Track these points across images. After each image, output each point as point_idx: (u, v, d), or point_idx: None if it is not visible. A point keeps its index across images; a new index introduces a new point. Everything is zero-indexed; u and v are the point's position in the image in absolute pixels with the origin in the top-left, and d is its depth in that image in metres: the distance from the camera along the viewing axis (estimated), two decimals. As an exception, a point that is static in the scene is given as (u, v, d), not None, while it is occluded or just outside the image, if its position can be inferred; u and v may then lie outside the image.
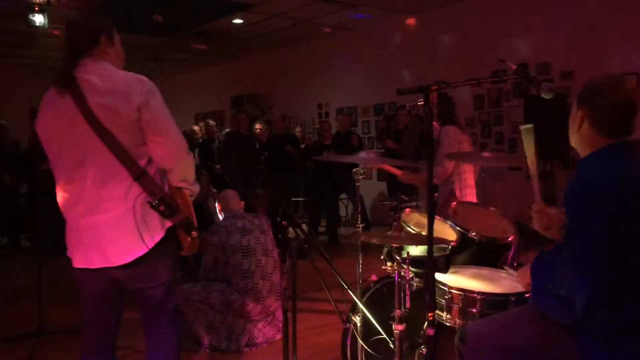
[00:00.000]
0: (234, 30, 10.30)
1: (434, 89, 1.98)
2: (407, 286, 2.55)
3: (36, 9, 7.70)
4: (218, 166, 8.62)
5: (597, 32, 6.92)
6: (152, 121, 2.21)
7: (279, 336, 4.07)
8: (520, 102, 7.61)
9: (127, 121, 2.18)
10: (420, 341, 2.75)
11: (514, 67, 2.16)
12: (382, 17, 9.39)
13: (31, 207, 8.13)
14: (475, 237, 2.97)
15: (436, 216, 3.07)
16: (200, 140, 9.97)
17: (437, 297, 2.55)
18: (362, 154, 3.63)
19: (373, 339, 2.84)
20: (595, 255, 1.83)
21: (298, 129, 10.67)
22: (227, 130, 9.37)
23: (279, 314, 3.78)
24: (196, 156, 9.26)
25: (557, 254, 2.04)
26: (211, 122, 9.73)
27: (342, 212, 9.70)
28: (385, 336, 2.74)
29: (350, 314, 2.99)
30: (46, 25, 7.91)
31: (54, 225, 8.35)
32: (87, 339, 2.46)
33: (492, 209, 3.44)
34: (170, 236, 2.31)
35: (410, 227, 3.10)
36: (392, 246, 2.75)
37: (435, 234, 2.11)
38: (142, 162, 2.23)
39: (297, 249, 2.52)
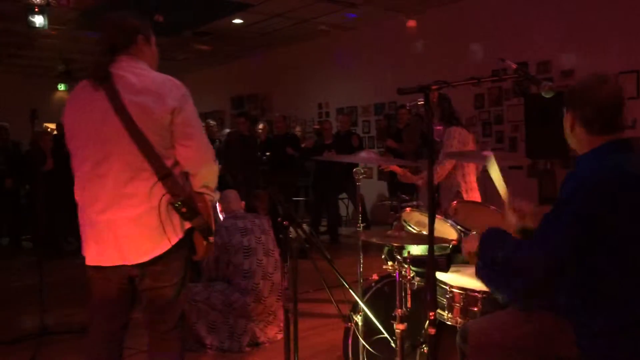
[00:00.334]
0: (234, 31, 10.30)
1: (434, 89, 1.98)
2: (408, 285, 2.56)
3: (36, 10, 7.71)
4: (220, 166, 8.61)
5: (597, 31, 6.93)
6: (184, 124, 2.23)
7: (280, 336, 4.08)
8: (520, 101, 7.62)
9: (159, 122, 2.19)
10: (421, 340, 2.76)
11: (514, 66, 2.17)
12: (382, 17, 9.39)
13: (32, 208, 8.15)
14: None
15: (437, 215, 3.07)
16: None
17: (438, 296, 2.55)
18: (363, 154, 3.63)
19: (374, 338, 2.84)
20: (559, 237, 1.80)
21: (298, 128, 10.67)
22: (228, 130, 9.38)
23: (281, 314, 3.78)
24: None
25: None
26: (211, 122, 9.72)
27: (343, 212, 9.70)
28: (386, 335, 2.75)
29: (352, 313, 2.99)
30: (46, 26, 7.92)
31: (55, 227, 8.39)
32: (94, 341, 2.43)
33: (492, 207, 3.43)
34: (187, 239, 2.31)
35: (411, 227, 3.10)
36: (392, 245, 2.75)
37: (436, 233, 2.11)
38: (168, 164, 2.23)
39: (298, 248, 2.52)
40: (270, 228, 4.34)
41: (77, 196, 2.30)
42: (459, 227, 3.03)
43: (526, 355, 2.07)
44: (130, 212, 2.20)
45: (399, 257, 2.55)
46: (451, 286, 2.53)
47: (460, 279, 2.65)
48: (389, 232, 2.97)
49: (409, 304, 2.54)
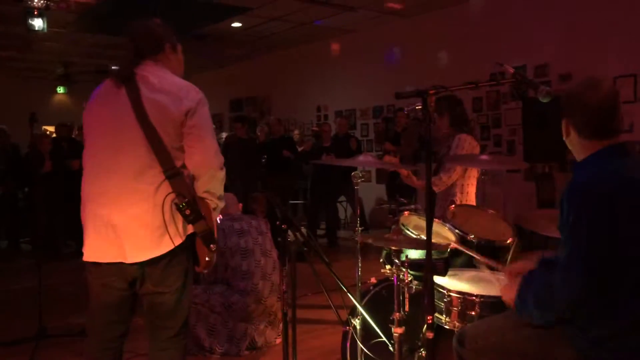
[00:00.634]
0: (233, 34, 10.32)
1: (432, 93, 1.99)
2: (406, 289, 2.56)
3: (35, 13, 7.72)
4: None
5: (595, 35, 6.95)
6: (195, 127, 2.24)
7: (279, 340, 4.08)
8: (518, 105, 7.63)
9: (172, 122, 2.22)
10: (419, 344, 2.76)
11: (511, 70, 2.18)
12: (381, 20, 9.41)
13: (31, 210, 8.15)
14: (473, 240, 2.98)
15: (435, 219, 3.08)
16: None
17: (436, 300, 2.56)
18: (361, 158, 3.62)
19: (373, 341, 2.84)
20: (585, 255, 1.84)
21: (296, 131, 10.68)
22: (225, 134, 9.40)
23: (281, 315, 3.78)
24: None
25: (542, 272, 2.06)
26: (210, 126, 9.71)
27: (341, 215, 9.71)
28: (384, 339, 2.75)
29: (350, 317, 3.00)
30: (45, 30, 7.92)
31: (54, 229, 8.38)
32: (92, 348, 2.40)
33: (490, 211, 3.45)
34: (188, 245, 2.29)
35: (409, 230, 3.10)
36: (391, 249, 2.76)
37: (434, 237, 2.12)
38: (178, 164, 2.24)
39: (296, 252, 2.53)
40: (268, 230, 4.34)
41: (83, 190, 2.31)
42: (457, 230, 3.03)
43: (524, 358, 2.07)
44: (134, 208, 2.20)
45: (397, 260, 2.56)
46: (449, 290, 2.53)
47: (458, 282, 2.66)
48: (387, 235, 2.98)
49: (406, 308, 2.55)
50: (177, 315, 2.36)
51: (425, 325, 2.04)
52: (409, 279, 2.55)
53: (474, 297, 2.47)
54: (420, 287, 2.64)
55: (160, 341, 2.37)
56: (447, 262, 2.62)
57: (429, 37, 9.01)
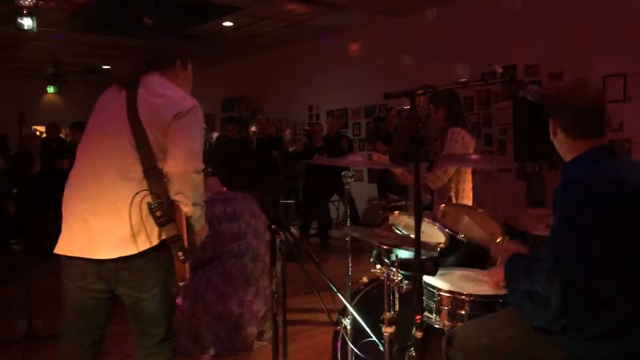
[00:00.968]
0: (224, 33, 10.30)
1: (420, 93, 2.00)
2: (396, 289, 2.56)
3: (25, 12, 7.66)
4: (209, 169, 8.60)
5: (586, 34, 6.97)
6: (178, 129, 2.24)
7: (270, 340, 4.06)
8: (509, 104, 7.65)
9: (162, 123, 2.24)
10: (410, 343, 2.76)
11: (500, 70, 2.18)
12: (372, 19, 9.42)
13: (21, 211, 8.09)
14: (463, 239, 2.98)
15: (425, 218, 3.08)
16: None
17: (426, 300, 2.56)
18: (350, 157, 3.62)
19: (363, 341, 2.84)
20: (578, 253, 1.85)
21: (288, 131, 10.67)
22: (217, 134, 9.37)
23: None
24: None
25: (532, 259, 2.08)
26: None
27: (334, 214, 9.72)
28: (375, 339, 2.75)
29: (340, 316, 2.99)
30: (35, 29, 7.87)
31: (44, 230, 8.30)
32: (67, 356, 2.36)
33: (480, 210, 3.45)
34: (166, 249, 2.23)
35: (399, 230, 3.10)
36: (381, 248, 2.76)
37: (424, 236, 2.12)
38: (160, 166, 2.24)
39: (287, 252, 2.52)
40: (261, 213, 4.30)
41: (67, 183, 2.32)
42: (447, 230, 3.04)
43: (513, 358, 2.08)
44: (112, 205, 2.19)
45: (386, 260, 2.56)
46: (439, 289, 2.54)
47: (448, 282, 2.66)
48: (376, 231, 2.97)
49: (397, 307, 2.55)
50: (161, 322, 2.33)
51: (415, 325, 2.04)
52: (399, 278, 2.55)
53: (464, 296, 2.48)
54: (411, 287, 2.64)
55: (147, 347, 2.35)
56: (437, 261, 2.62)
57: (420, 36, 9.02)
